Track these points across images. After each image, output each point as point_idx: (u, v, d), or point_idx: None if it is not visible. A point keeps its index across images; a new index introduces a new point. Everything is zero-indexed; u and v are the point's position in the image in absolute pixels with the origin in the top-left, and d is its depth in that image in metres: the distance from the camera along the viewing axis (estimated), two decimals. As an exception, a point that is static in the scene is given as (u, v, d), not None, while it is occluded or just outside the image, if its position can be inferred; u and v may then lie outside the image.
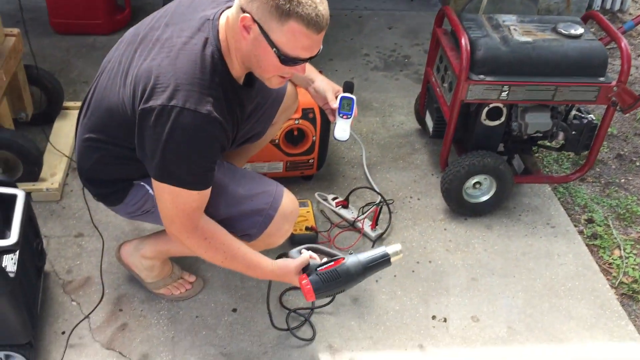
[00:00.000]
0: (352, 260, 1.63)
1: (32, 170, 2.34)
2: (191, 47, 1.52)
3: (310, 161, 2.49)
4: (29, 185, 2.35)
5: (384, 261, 1.64)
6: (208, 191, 1.60)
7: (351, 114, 1.82)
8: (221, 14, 1.57)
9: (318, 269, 1.64)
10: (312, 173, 2.58)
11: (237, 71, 1.58)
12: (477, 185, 2.43)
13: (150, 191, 1.72)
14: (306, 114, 2.36)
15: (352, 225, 2.41)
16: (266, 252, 1.75)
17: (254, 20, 1.39)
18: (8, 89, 2.51)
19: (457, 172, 2.36)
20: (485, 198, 2.45)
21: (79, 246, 2.22)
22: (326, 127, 2.44)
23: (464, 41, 2.20)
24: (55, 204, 2.38)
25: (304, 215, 2.35)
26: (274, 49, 1.40)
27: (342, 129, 1.81)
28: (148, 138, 1.51)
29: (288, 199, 1.81)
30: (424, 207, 2.53)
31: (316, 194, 2.50)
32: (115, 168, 1.74)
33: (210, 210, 1.66)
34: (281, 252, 1.83)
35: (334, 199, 2.48)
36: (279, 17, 1.36)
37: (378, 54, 3.55)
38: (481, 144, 2.43)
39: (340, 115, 1.81)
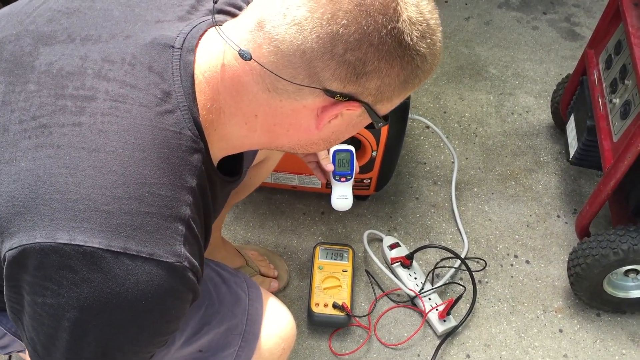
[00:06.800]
0: None
1: None
2: (134, 114, 0.69)
3: (365, 181, 1.59)
4: None
5: None
6: None
7: (351, 174, 1.25)
8: (199, 40, 0.75)
9: None
10: (368, 194, 1.69)
11: (218, 153, 0.80)
12: (632, 274, 1.45)
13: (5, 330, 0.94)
14: (364, 119, 1.42)
15: (411, 302, 1.54)
16: None
17: (363, 103, 0.78)
18: None
19: (601, 255, 1.38)
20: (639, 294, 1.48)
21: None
22: (394, 142, 1.50)
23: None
24: None
25: (337, 277, 1.51)
26: (379, 124, 0.85)
27: (341, 196, 1.26)
28: (37, 307, 0.69)
29: (271, 335, 1.02)
30: (534, 280, 1.60)
31: (365, 234, 1.61)
32: None
33: None
34: None
35: (391, 246, 1.60)
36: (403, 89, 0.79)
37: (515, -23, 2.40)
38: (656, 210, 1.42)
39: (336, 177, 1.25)
